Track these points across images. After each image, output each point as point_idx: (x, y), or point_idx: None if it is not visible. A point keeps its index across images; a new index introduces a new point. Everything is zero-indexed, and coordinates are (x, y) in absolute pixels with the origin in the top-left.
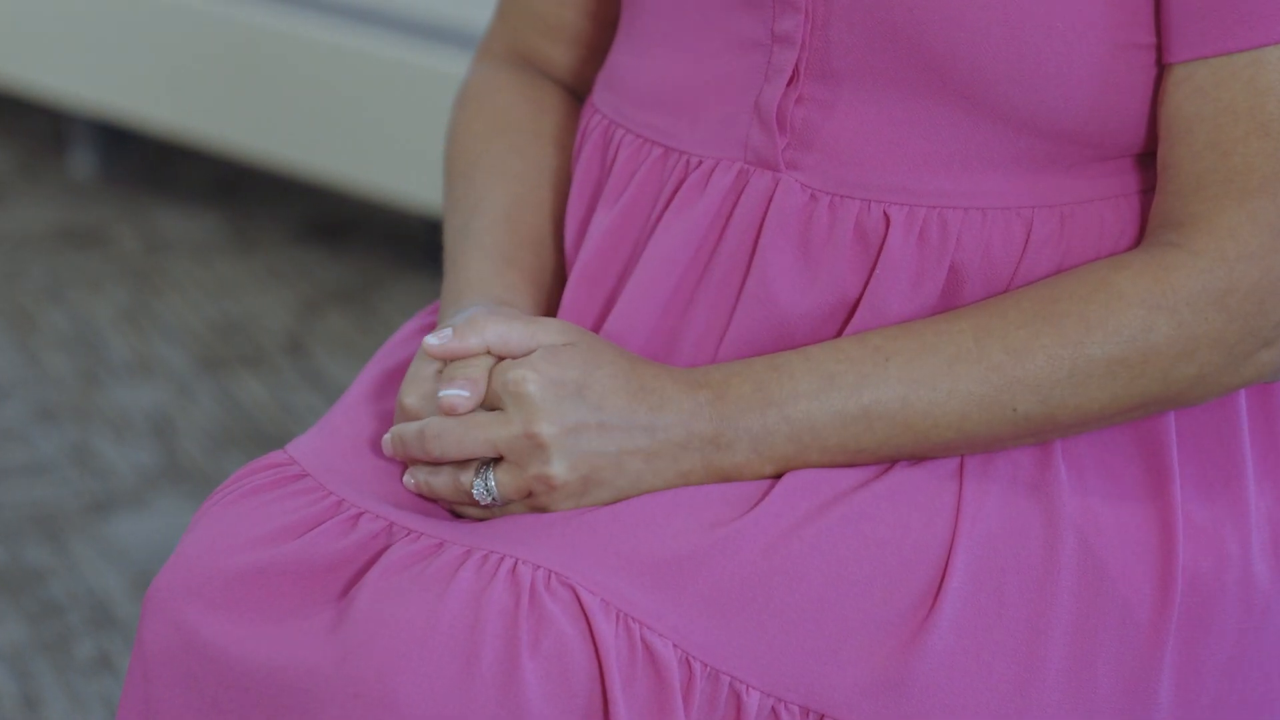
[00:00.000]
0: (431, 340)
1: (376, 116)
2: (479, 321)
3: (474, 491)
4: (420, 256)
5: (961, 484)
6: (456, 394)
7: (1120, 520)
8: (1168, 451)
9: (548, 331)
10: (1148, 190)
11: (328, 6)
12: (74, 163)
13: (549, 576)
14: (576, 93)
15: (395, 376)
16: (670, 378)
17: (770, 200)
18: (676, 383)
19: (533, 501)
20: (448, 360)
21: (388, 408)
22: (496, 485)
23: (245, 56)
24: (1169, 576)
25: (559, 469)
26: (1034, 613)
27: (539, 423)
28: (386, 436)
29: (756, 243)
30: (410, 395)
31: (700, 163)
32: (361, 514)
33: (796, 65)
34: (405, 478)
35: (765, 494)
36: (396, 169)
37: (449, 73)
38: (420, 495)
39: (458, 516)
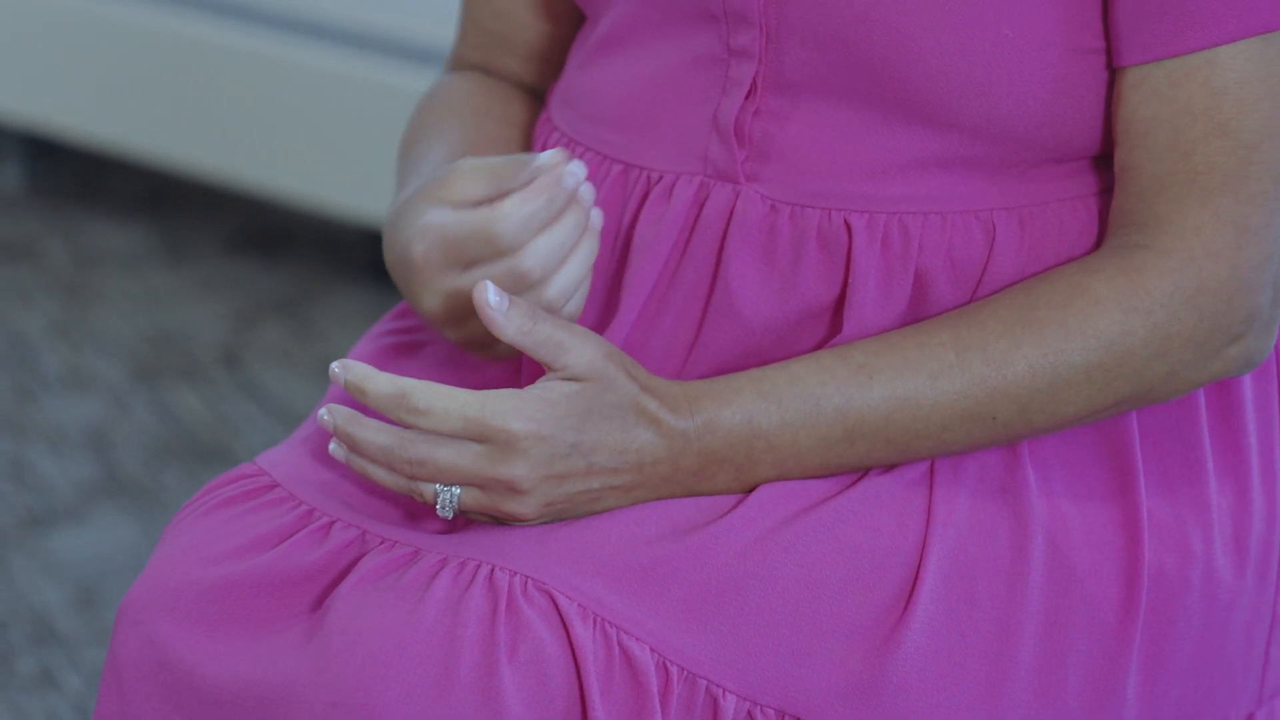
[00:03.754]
0: (490, 292)
1: (306, 126)
2: (525, 319)
3: (438, 506)
4: (355, 266)
5: (932, 488)
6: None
7: (1087, 520)
8: (1131, 451)
9: (579, 355)
10: (1105, 191)
11: (256, 16)
12: (1, 175)
13: (526, 583)
14: (539, 98)
15: None
16: (670, 408)
17: (731, 213)
18: (676, 412)
19: (495, 521)
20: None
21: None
22: (458, 502)
23: (173, 67)
24: (1135, 574)
25: (530, 509)
26: (1004, 613)
27: (518, 470)
28: (338, 416)
29: (720, 256)
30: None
31: (661, 178)
32: (333, 523)
33: (754, 78)
34: (333, 447)
35: (740, 501)
36: (328, 179)
37: (381, 83)
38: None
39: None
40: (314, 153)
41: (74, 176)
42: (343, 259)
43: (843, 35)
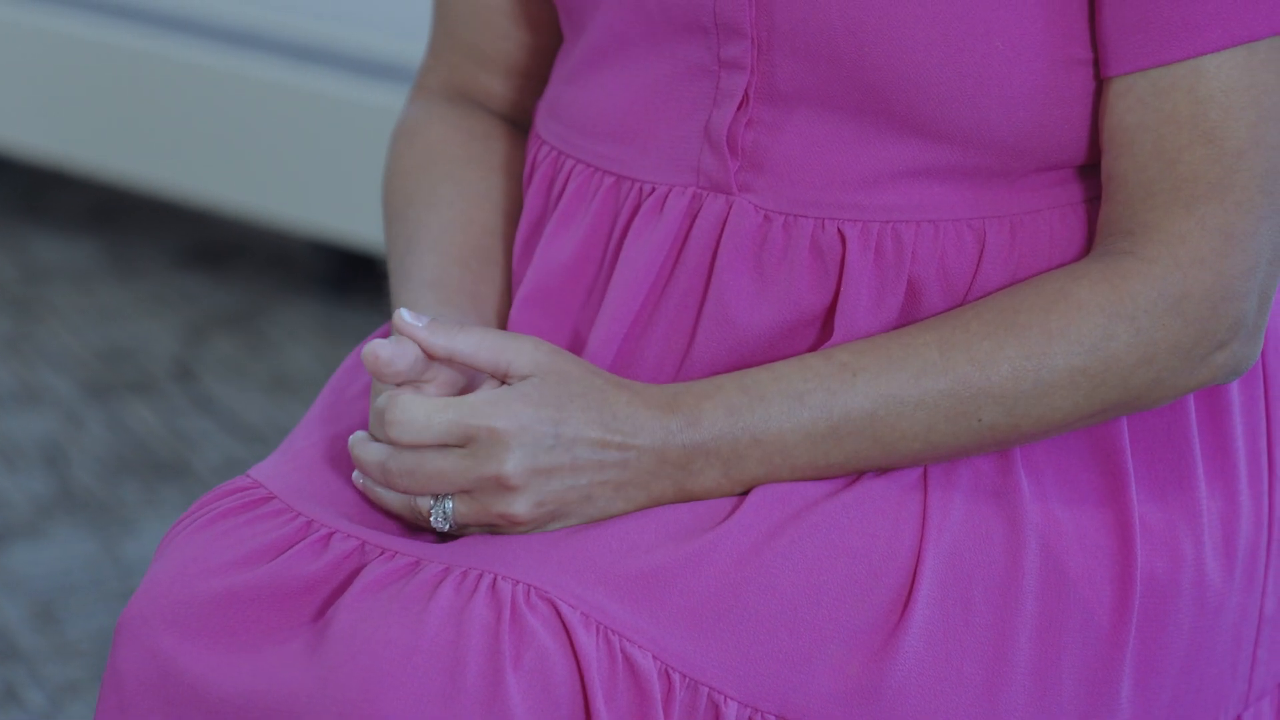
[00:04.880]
0: (406, 315)
1: (254, 139)
2: (452, 328)
3: (431, 519)
4: (305, 279)
5: (926, 493)
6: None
7: (1079, 524)
8: (1122, 456)
9: (519, 352)
10: (1093, 199)
11: (202, 30)
12: None
13: (528, 591)
14: (516, 123)
15: (355, 399)
16: (643, 402)
17: (725, 223)
18: (649, 407)
19: (493, 530)
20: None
21: (347, 428)
22: (454, 513)
23: (120, 81)
24: (1128, 579)
25: (523, 508)
26: (1000, 617)
27: (508, 465)
28: (352, 439)
29: (713, 265)
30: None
31: (653, 189)
32: (333, 534)
33: (746, 89)
34: (355, 475)
35: (737, 506)
36: (277, 191)
37: (329, 95)
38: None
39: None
40: (262, 166)
41: (20, 191)
42: (293, 271)
43: (834, 47)
